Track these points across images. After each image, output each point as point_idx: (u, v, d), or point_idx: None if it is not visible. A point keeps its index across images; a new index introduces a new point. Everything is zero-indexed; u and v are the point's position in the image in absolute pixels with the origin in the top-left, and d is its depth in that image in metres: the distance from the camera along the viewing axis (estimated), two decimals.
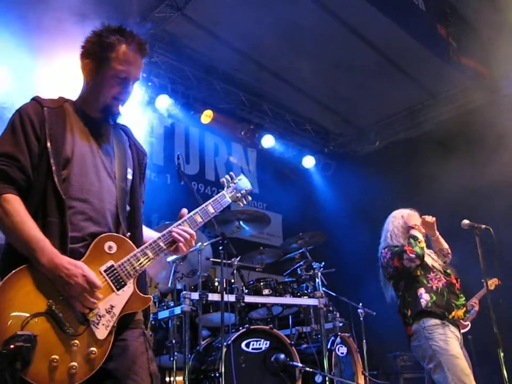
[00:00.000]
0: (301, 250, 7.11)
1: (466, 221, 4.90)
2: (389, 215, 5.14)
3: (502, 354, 4.34)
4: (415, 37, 7.48)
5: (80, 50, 2.65)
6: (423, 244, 4.64)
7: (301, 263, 6.96)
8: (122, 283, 2.38)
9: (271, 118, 9.86)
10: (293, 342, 5.91)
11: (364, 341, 6.99)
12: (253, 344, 5.54)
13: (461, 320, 6.27)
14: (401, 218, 5.01)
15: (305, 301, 6.52)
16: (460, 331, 4.59)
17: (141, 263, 2.45)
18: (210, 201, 2.80)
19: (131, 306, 2.41)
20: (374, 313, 7.06)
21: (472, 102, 9.10)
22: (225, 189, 2.93)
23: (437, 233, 4.95)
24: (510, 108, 7.59)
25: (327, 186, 10.97)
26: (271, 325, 5.98)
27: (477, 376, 5.02)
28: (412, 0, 7.09)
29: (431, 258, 4.81)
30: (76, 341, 2.19)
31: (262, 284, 6.24)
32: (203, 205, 2.77)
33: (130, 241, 2.50)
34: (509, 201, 7.61)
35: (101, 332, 2.27)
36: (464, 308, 4.63)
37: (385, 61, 8.63)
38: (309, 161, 10.76)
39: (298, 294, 6.54)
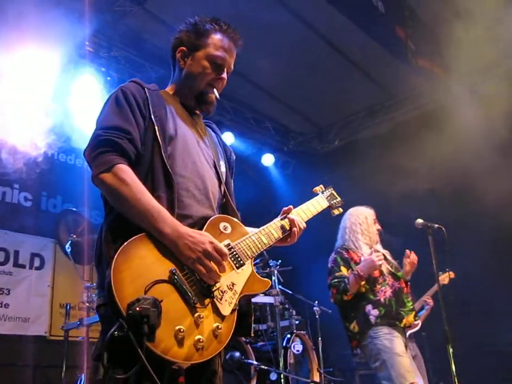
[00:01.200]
0: None
1: (420, 220, 4.97)
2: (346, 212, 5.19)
3: (451, 350, 4.42)
4: (375, 38, 7.55)
5: (173, 41, 2.66)
6: (348, 297, 4.61)
7: (258, 260, 6.96)
8: (241, 262, 2.33)
9: (231, 115, 9.81)
10: (248, 340, 5.91)
11: (320, 338, 7.05)
12: None
13: None
14: (362, 216, 5.06)
15: (261, 298, 6.53)
16: (405, 332, 4.67)
17: (256, 246, 2.44)
18: (311, 201, 2.95)
19: (251, 287, 2.34)
20: (330, 310, 7.10)
21: (430, 103, 9.24)
22: (320, 194, 3.08)
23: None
24: (468, 109, 7.73)
25: (286, 184, 11.00)
26: None
27: (430, 372, 5.12)
28: (371, 1, 7.15)
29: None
30: (201, 314, 2.07)
31: None
32: (306, 204, 2.88)
33: (243, 226, 2.49)
34: (466, 201, 7.76)
35: (225, 308, 2.17)
36: (413, 312, 4.74)
37: (346, 61, 8.69)
38: (268, 159, 10.75)
39: None
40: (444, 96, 8.64)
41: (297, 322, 6.98)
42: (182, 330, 1.97)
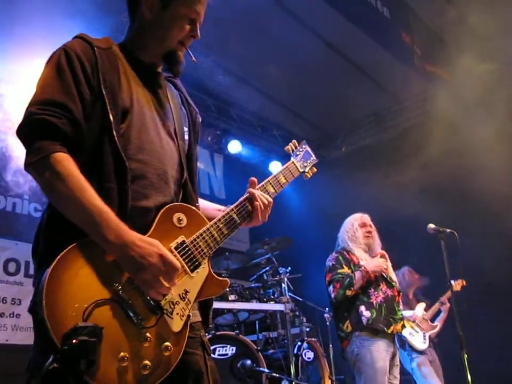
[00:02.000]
0: (267, 256, 7.10)
1: (432, 225, 5.00)
2: None
3: (466, 356, 4.40)
4: (381, 43, 7.55)
5: None
6: (351, 293, 4.67)
7: (267, 268, 6.96)
8: (197, 263, 2.01)
9: (238, 123, 9.83)
10: (259, 348, 5.90)
11: (331, 345, 7.01)
12: (219, 350, 5.51)
13: (429, 321, 6.47)
14: (349, 223, 5.19)
15: (271, 306, 6.52)
16: (394, 343, 4.74)
17: (215, 240, 2.09)
18: (281, 169, 2.55)
19: (207, 291, 2.06)
20: None
21: (437, 108, 9.22)
22: (293, 157, 2.67)
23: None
24: (474, 114, 7.71)
25: (294, 191, 10.97)
26: (237, 331, 5.95)
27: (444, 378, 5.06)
28: (377, 7, 7.17)
29: None
30: (148, 334, 1.81)
31: (228, 289, 6.19)
32: (274, 174, 2.49)
33: (201, 214, 2.14)
34: (470, 206, 7.73)
35: (176, 323, 1.90)
36: (402, 322, 4.78)
37: (352, 66, 8.69)
38: (275, 167, 10.72)
39: (265, 299, 6.53)
40: (451, 100, 8.62)
41: (307, 329, 6.95)
42: (125, 358, 1.74)
